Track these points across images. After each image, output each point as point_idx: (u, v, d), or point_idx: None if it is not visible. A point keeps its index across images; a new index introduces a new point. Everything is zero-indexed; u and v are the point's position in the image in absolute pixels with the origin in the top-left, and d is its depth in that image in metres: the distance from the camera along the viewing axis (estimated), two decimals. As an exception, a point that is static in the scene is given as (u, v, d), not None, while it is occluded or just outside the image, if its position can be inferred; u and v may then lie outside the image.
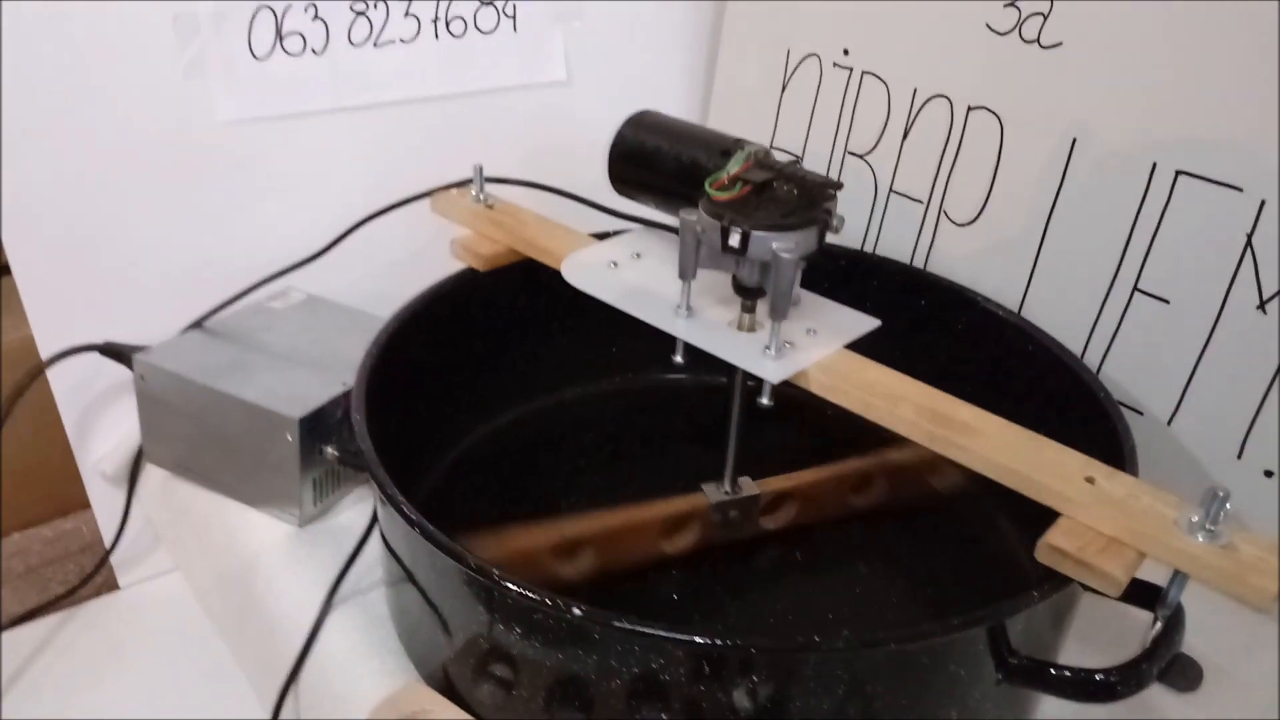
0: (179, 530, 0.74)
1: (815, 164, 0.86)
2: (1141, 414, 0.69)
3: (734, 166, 0.57)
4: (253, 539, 0.66)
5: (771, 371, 0.55)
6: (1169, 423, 0.67)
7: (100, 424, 0.78)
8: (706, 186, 0.56)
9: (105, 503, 0.80)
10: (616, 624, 0.43)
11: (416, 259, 0.74)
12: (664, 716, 0.47)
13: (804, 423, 0.76)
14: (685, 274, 0.58)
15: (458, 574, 0.48)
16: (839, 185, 0.56)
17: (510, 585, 0.45)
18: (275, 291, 0.77)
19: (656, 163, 0.62)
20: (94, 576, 0.81)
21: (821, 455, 0.76)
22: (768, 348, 0.56)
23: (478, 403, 0.76)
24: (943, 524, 0.70)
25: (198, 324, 0.72)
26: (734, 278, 0.57)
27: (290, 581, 0.63)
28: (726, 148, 0.59)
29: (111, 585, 0.84)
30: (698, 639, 0.42)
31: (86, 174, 0.72)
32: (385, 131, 0.82)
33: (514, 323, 0.76)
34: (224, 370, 0.67)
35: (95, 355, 0.73)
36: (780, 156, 0.59)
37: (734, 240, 0.53)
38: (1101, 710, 0.56)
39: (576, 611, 0.44)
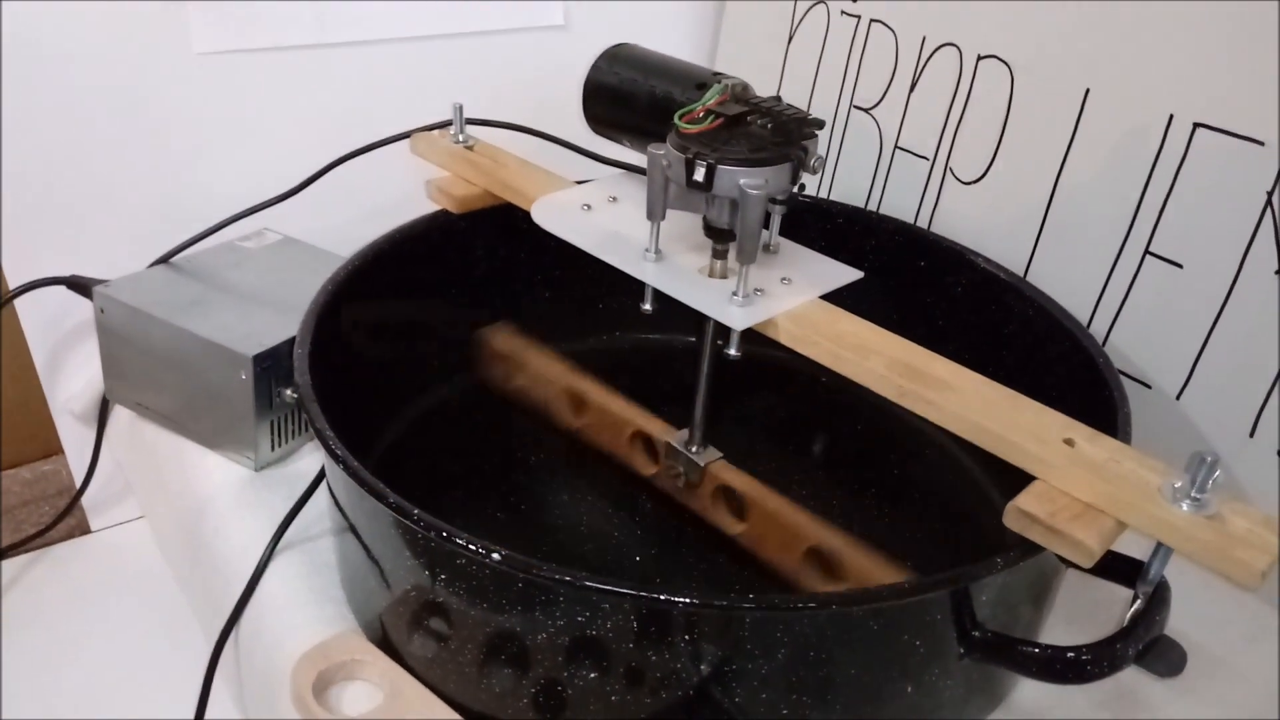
0: (142, 472, 0.72)
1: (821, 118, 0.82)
2: (1149, 387, 0.64)
3: (709, 99, 0.53)
4: (208, 481, 0.64)
5: (736, 318, 0.52)
6: (1178, 397, 0.63)
7: (70, 363, 0.77)
8: (676, 119, 0.52)
9: (76, 444, 0.79)
10: (537, 571, 0.40)
11: (401, 206, 0.71)
12: (594, 675, 0.44)
13: (797, 392, 0.73)
14: (653, 214, 0.54)
15: (383, 515, 0.45)
16: (819, 123, 0.53)
17: (431, 527, 0.42)
18: (251, 232, 0.74)
19: (630, 98, 0.59)
20: (64, 518, 0.79)
21: (808, 431, 0.73)
22: (735, 294, 0.52)
23: (455, 353, 0.73)
24: (931, 497, 0.66)
25: (164, 259, 0.70)
26: (704, 220, 0.54)
27: (240, 525, 0.61)
28: (703, 81, 0.56)
29: (84, 528, 0.83)
30: (613, 588, 0.39)
31: (58, 104, 0.70)
32: (370, 72, 0.79)
33: (493, 272, 0.73)
34: (183, 306, 0.64)
35: (66, 292, 0.71)
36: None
37: (699, 174, 0.50)
38: (1083, 699, 0.52)
39: (495, 556, 0.41)
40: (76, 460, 0.79)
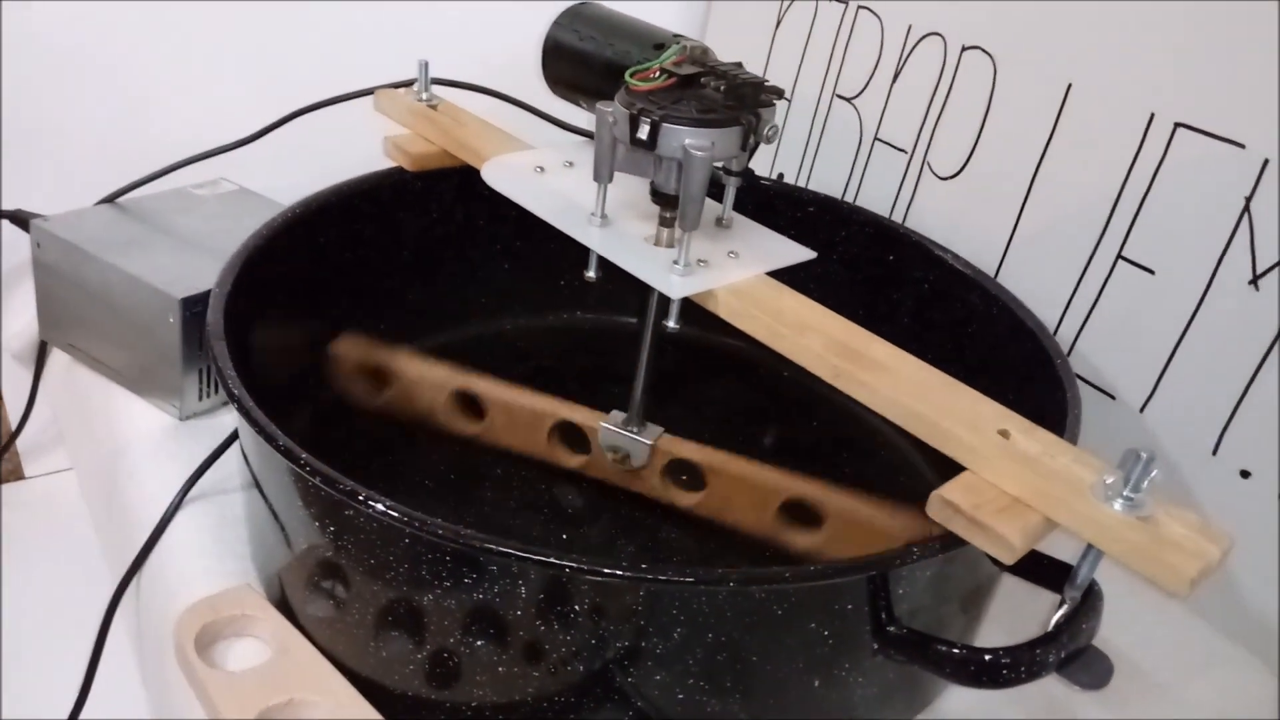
0: (71, 416, 0.70)
1: (803, 107, 0.80)
2: (1114, 398, 0.61)
3: (666, 59, 0.51)
4: (130, 427, 0.62)
5: (675, 287, 0.49)
6: (1141, 409, 0.60)
7: (12, 301, 0.74)
8: (627, 76, 0.50)
9: (15, 386, 0.77)
10: (420, 524, 0.38)
11: (370, 168, 0.69)
12: (482, 644, 0.41)
13: (758, 384, 0.71)
14: (600, 175, 0.52)
15: (276, 462, 0.43)
16: (778, 91, 0.50)
17: (317, 473, 0.40)
18: (206, 180, 0.72)
19: (589, 57, 0.56)
20: (-4, 462, 0.77)
21: (760, 424, 0.70)
22: (676, 262, 0.50)
23: (405, 319, 0.71)
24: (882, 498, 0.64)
25: (110, 199, 0.68)
26: (651, 184, 0.52)
27: (155, 472, 0.58)
28: (661, 41, 0.53)
29: (17, 474, 0.81)
30: (495, 546, 0.37)
31: (12, 38, 0.68)
32: (342, 27, 0.77)
33: (449, 237, 0.71)
34: (120, 245, 0.62)
35: (10, 228, 0.69)
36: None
37: (643, 132, 0.48)
38: (1012, 710, 0.50)
39: (378, 507, 0.38)
40: (14, 403, 0.77)
